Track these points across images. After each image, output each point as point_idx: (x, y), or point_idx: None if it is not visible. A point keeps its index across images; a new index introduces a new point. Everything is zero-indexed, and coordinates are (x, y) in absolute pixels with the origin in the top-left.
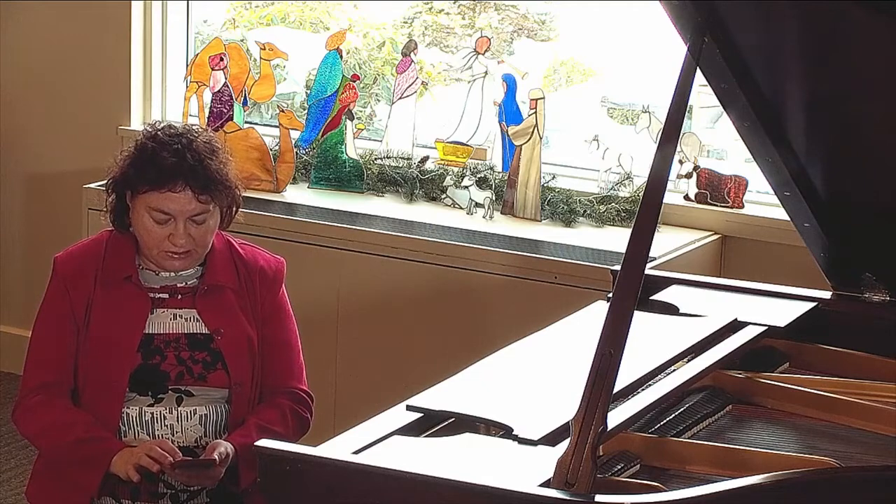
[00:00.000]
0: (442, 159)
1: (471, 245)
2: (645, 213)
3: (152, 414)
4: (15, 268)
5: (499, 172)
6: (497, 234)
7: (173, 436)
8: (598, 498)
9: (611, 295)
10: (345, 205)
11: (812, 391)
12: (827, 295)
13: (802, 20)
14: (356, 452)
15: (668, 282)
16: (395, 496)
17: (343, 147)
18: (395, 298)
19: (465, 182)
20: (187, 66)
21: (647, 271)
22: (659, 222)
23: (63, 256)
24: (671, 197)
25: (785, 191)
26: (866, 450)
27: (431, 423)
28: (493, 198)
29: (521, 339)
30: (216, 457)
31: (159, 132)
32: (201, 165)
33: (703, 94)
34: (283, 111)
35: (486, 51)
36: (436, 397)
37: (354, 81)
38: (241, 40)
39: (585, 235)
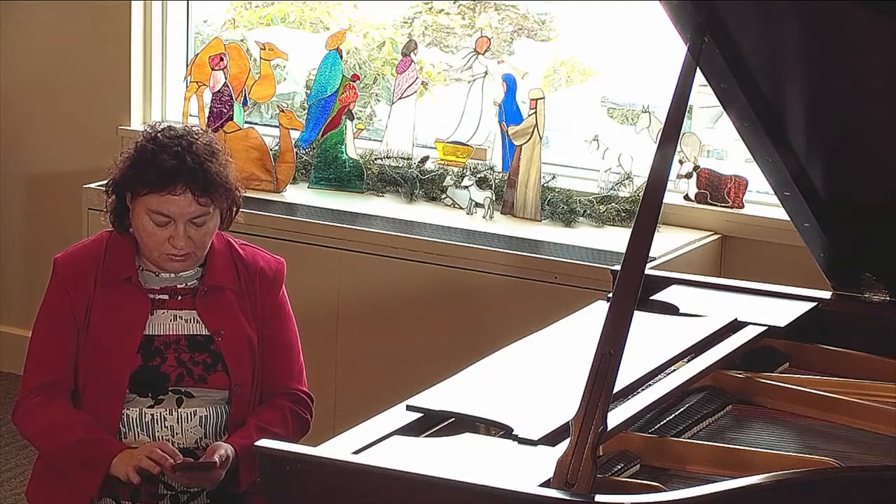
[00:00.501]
0: (442, 159)
1: (471, 245)
2: (645, 213)
3: (152, 415)
4: (15, 268)
5: (499, 172)
6: (497, 234)
7: (173, 437)
8: (598, 498)
9: (611, 295)
10: (345, 205)
11: (812, 391)
12: (827, 295)
13: (802, 20)
14: (356, 452)
15: (668, 282)
16: (395, 496)
17: (343, 147)
18: (395, 298)
19: (465, 182)
20: (187, 66)
21: (647, 271)
22: (659, 222)
23: (63, 257)
24: (671, 197)
25: (785, 191)
26: (866, 450)
27: (431, 423)
28: (493, 198)
29: (521, 339)
30: (216, 459)
31: (159, 134)
32: (201, 168)
33: (703, 94)
34: (283, 111)
35: (486, 51)
36: (436, 397)
37: (354, 81)
38: (241, 40)
39: (585, 235)
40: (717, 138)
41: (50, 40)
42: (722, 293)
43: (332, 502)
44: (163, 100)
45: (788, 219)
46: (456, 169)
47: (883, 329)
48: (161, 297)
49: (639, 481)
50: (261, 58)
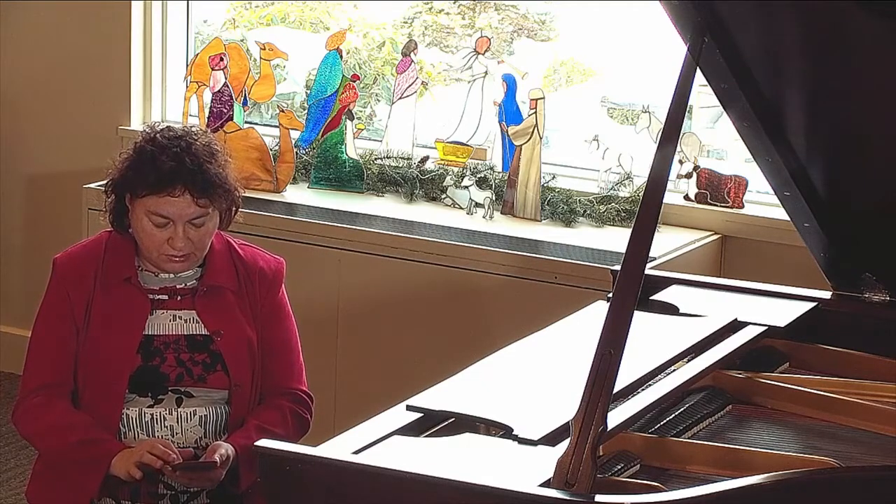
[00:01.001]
0: (442, 159)
1: (471, 245)
2: (645, 213)
3: (152, 415)
4: (15, 268)
5: (499, 172)
6: (497, 234)
7: (173, 437)
8: (598, 498)
9: (611, 295)
10: (345, 205)
11: (812, 391)
12: (827, 295)
13: (802, 20)
14: (356, 452)
15: (668, 282)
16: (395, 496)
17: (343, 147)
18: (395, 298)
19: (465, 182)
20: (187, 66)
21: (647, 271)
22: (659, 222)
23: (63, 257)
24: (671, 197)
25: (785, 191)
26: (866, 450)
27: (431, 423)
28: (493, 198)
29: (521, 339)
30: (217, 459)
31: (158, 135)
32: (200, 169)
33: (703, 94)
34: (283, 111)
35: (486, 51)
36: (436, 397)
37: (354, 81)
38: (241, 40)
39: (585, 235)
40: (717, 138)
41: (50, 40)
42: (722, 293)
43: (332, 502)
44: (163, 100)
45: (788, 219)
46: (456, 169)
47: (883, 329)
48: (160, 297)
49: (639, 481)
50: (261, 58)
